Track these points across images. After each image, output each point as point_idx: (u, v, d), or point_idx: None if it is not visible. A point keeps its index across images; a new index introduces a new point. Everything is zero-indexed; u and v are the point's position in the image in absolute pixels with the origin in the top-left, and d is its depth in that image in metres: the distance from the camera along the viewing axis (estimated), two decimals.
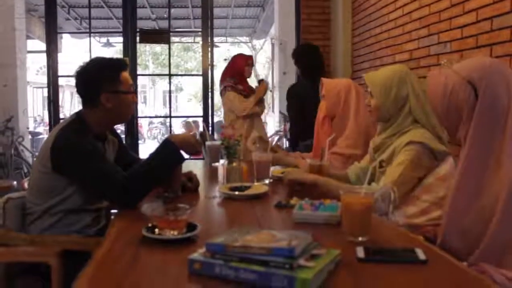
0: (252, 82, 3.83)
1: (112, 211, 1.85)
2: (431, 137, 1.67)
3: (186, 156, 1.73)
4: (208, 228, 1.32)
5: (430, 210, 1.61)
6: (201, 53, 4.82)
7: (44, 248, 1.53)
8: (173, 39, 14.94)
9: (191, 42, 18.25)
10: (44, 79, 6.57)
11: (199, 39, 11.90)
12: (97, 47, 12.61)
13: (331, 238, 1.20)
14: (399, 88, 1.74)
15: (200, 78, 4.70)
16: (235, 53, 3.95)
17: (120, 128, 6.15)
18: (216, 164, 2.38)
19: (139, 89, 20.07)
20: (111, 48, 13.90)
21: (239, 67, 3.66)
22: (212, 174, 2.30)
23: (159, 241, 1.17)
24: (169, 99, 6.95)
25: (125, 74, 1.78)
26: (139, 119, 6.80)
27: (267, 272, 0.89)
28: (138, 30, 4.60)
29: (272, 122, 10.68)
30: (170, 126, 6.62)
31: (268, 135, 8.09)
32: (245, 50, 14.96)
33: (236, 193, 1.72)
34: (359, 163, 2.00)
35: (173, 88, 21.36)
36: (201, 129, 8.53)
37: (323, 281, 0.91)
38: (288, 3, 5.09)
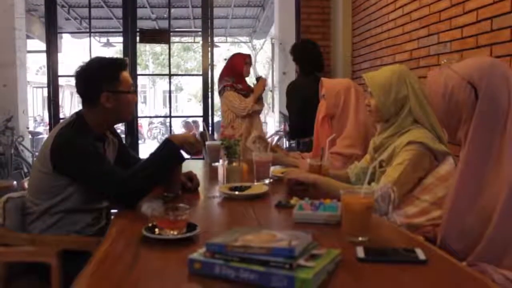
0: (252, 81, 3.81)
1: (112, 211, 1.86)
2: (431, 137, 1.67)
3: (186, 156, 1.73)
4: (208, 228, 1.33)
5: (430, 210, 1.61)
6: (201, 53, 4.82)
7: (44, 248, 1.53)
8: (173, 39, 14.94)
9: (191, 42, 18.26)
10: (44, 79, 6.57)
11: (199, 39, 11.91)
12: (97, 47, 12.61)
13: (331, 238, 1.20)
14: (398, 88, 1.74)
15: (200, 78, 4.70)
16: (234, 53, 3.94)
17: (120, 128, 6.15)
18: (216, 164, 2.38)
19: (139, 89, 20.07)
20: (111, 48, 13.91)
21: (238, 66, 3.64)
22: (212, 174, 2.30)
23: (159, 241, 1.17)
24: (169, 99, 6.95)
25: (125, 74, 1.78)
26: (139, 119, 6.80)
27: (267, 272, 0.89)
28: (138, 30, 4.60)
29: (272, 122, 10.68)
30: (170, 126, 6.62)
31: (268, 135, 8.11)
32: (245, 50, 14.96)
33: (236, 193, 1.72)
34: (359, 163, 2.00)
35: (173, 88, 21.36)
36: (201, 129, 8.53)
37: (323, 281, 0.91)
38: (288, 3, 5.09)
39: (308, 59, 3.62)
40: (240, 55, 3.76)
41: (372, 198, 1.24)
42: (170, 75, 5.75)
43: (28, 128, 6.85)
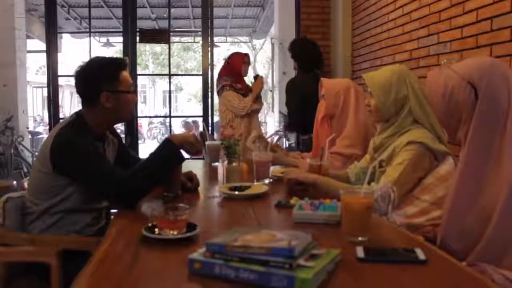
0: (250, 80, 3.80)
1: (112, 211, 1.86)
2: (431, 137, 1.67)
3: (186, 156, 1.73)
4: (208, 228, 1.33)
5: (429, 210, 1.61)
6: (201, 53, 4.82)
7: (44, 248, 1.53)
8: (173, 39, 14.94)
9: (191, 42, 18.25)
10: (44, 79, 6.57)
11: (199, 39, 11.91)
12: (97, 47, 12.61)
13: (331, 238, 1.20)
14: (398, 88, 1.74)
15: (200, 78, 4.70)
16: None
17: (120, 128, 6.15)
18: (216, 164, 2.38)
19: (139, 89, 20.07)
20: (111, 48, 13.91)
21: (236, 65, 3.63)
22: (212, 174, 2.30)
23: (159, 241, 1.17)
24: (169, 99, 6.95)
25: (125, 74, 1.78)
26: (139, 119, 6.80)
27: (267, 272, 0.89)
28: (138, 30, 4.60)
29: (272, 122, 10.68)
30: (170, 126, 6.62)
31: (268, 135, 8.11)
32: (245, 50, 14.96)
33: (236, 193, 1.72)
34: (359, 163, 2.00)
35: (173, 88, 21.37)
36: (201, 129, 8.53)
37: (323, 281, 0.91)
38: (288, 3, 5.09)
39: (308, 57, 3.62)
40: (238, 54, 3.75)
41: (372, 198, 1.24)
42: (170, 75, 5.75)
43: (28, 128, 6.85)
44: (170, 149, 1.68)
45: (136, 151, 4.51)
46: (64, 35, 11.92)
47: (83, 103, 1.78)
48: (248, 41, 15.53)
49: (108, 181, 1.60)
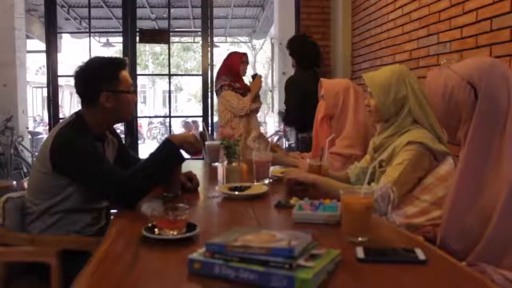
0: (248, 80, 3.79)
1: (112, 211, 1.85)
2: (430, 137, 1.68)
3: (186, 156, 1.73)
4: (208, 228, 1.33)
5: (429, 210, 1.61)
6: (200, 53, 4.81)
7: (44, 248, 1.53)
8: (173, 39, 14.94)
9: (191, 42, 18.26)
10: (43, 79, 6.56)
11: (198, 39, 11.92)
12: (96, 47, 12.61)
13: (331, 238, 1.20)
14: (398, 88, 1.74)
15: (200, 78, 4.70)
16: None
17: (119, 128, 6.15)
18: (216, 164, 2.38)
19: (138, 89, 20.06)
20: (111, 48, 13.91)
21: (235, 65, 3.62)
22: (212, 174, 2.30)
23: (158, 241, 1.17)
24: (168, 99, 6.94)
25: (125, 73, 1.78)
26: (138, 119, 6.80)
27: (267, 272, 0.89)
28: (137, 30, 4.60)
29: (272, 122, 10.69)
30: (170, 126, 6.63)
31: (268, 135, 8.11)
32: (245, 50, 14.96)
33: (236, 193, 1.72)
34: (359, 163, 2.00)
35: (172, 88, 21.36)
36: (200, 129, 8.53)
37: (323, 281, 0.91)
38: (288, 3, 5.09)
39: (307, 54, 3.61)
40: (236, 54, 3.74)
41: (372, 198, 1.24)
42: (169, 75, 5.75)
43: (27, 128, 6.85)
44: (170, 149, 1.68)
45: (136, 151, 4.51)
46: (64, 35, 11.92)
47: (82, 103, 1.78)
48: (248, 41, 15.53)
49: (108, 181, 1.60)
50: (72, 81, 1.79)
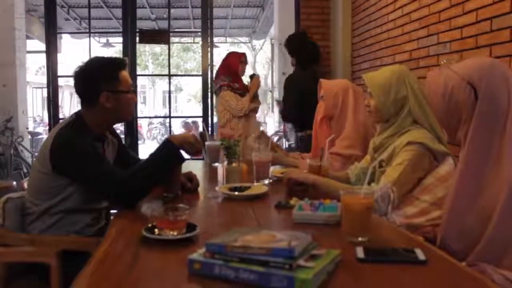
0: (246, 80, 3.79)
1: (112, 211, 1.85)
2: (430, 137, 1.67)
3: (186, 156, 1.73)
4: (208, 228, 1.33)
5: (429, 210, 1.61)
6: (200, 54, 4.82)
7: (44, 248, 1.53)
8: (173, 39, 14.94)
9: (191, 43, 18.25)
10: (43, 79, 6.56)
11: (198, 39, 11.92)
12: (96, 47, 12.61)
13: (331, 238, 1.20)
14: (398, 88, 1.74)
15: (200, 79, 4.70)
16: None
17: (119, 128, 6.15)
18: (216, 164, 2.38)
19: (138, 89, 20.06)
20: (111, 48, 13.91)
21: (233, 65, 3.61)
22: (212, 174, 2.30)
23: (158, 241, 1.17)
24: (168, 99, 6.94)
25: (124, 73, 1.78)
26: (138, 119, 6.81)
27: (267, 273, 0.89)
28: (137, 30, 4.60)
29: (272, 122, 10.69)
30: (170, 126, 6.63)
31: (268, 134, 8.09)
32: (245, 51, 14.96)
33: (236, 193, 1.72)
34: (360, 164, 2.00)
35: (172, 88, 21.37)
36: (200, 129, 8.53)
37: (323, 281, 0.91)
38: (288, 4, 5.09)
39: (307, 54, 3.61)
40: (235, 54, 3.73)
41: (372, 198, 1.24)
42: (169, 76, 5.76)
43: (27, 128, 6.84)
44: (170, 149, 1.68)
45: (136, 152, 4.51)
46: (63, 35, 11.92)
47: (82, 103, 1.78)
48: (247, 41, 15.53)
49: (108, 181, 1.60)
50: (72, 81, 1.79)
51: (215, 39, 8.02)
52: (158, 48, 20.10)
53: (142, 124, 16.23)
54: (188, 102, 25.14)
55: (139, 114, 14.31)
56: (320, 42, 4.25)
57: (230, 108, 3.54)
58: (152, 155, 1.67)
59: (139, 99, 22.56)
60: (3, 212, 1.69)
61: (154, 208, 1.30)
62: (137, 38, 4.58)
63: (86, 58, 1.86)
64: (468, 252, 1.22)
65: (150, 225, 1.23)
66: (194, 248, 1.04)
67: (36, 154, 4.68)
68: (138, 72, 11.25)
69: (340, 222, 1.25)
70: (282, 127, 6.79)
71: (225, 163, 1.96)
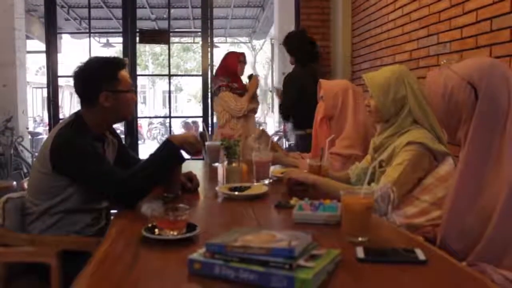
0: (246, 80, 3.79)
1: (112, 211, 1.85)
2: (430, 137, 1.68)
3: (186, 156, 1.73)
4: (208, 228, 1.33)
5: (429, 211, 1.61)
6: (200, 54, 4.82)
7: (44, 248, 1.53)
8: (173, 39, 14.95)
9: (191, 43, 18.26)
10: (43, 79, 6.56)
11: (198, 39, 11.92)
12: (96, 48, 12.62)
13: (331, 238, 1.20)
14: (397, 88, 1.74)
15: (200, 79, 4.70)
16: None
17: (119, 128, 6.14)
18: (216, 164, 2.38)
19: (138, 89, 20.06)
20: (111, 48, 13.91)
21: (232, 65, 3.60)
22: (212, 174, 2.30)
23: (159, 241, 1.17)
24: (168, 99, 6.95)
25: (124, 73, 1.78)
26: (138, 119, 6.80)
27: (267, 272, 0.89)
28: (137, 30, 4.60)
29: (272, 122, 10.69)
30: (170, 126, 6.63)
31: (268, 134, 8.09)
32: (245, 51, 14.96)
33: (236, 193, 1.72)
34: (360, 164, 2.00)
35: (172, 88, 21.37)
36: (200, 129, 8.53)
37: (323, 281, 0.91)
38: (288, 4, 5.09)
39: (307, 54, 3.61)
40: (233, 53, 3.71)
41: (372, 198, 1.24)
42: (169, 76, 5.75)
43: (27, 128, 6.85)
44: (170, 149, 1.68)
45: (136, 152, 4.51)
46: (64, 35, 11.93)
47: (82, 103, 1.78)
48: (247, 41, 15.54)
49: (108, 181, 1.60)
50: (72, 81, 1.79)
51: (215, 39, 8.03)
52: (158, 48, 20.11)
53: (142, 124, 16.23)
54: (188, 102, 25.14)
55: (139, 114, 14.31)
56: (320, 42, 4.24)
57: (229, 109, 3.53)
58: (152, 155, 1.67)
59: (139, 99, 22.57)
60: (3, 212, 1.70)
61: (154, 208, 1.30)
62: (137, 38, 4.58)
63: (86, 58, 1.86)
64: (468, 252, 1.22)
65: (150, 225, 1.23)
66: (194, 248, 1.04)
67: (36, 154, 4.68)
68: (138, 72, 11.25)
69: (340, 222, 1.25)
70: (282, 127, 6.79)
71: (225, 163, 1.96)
